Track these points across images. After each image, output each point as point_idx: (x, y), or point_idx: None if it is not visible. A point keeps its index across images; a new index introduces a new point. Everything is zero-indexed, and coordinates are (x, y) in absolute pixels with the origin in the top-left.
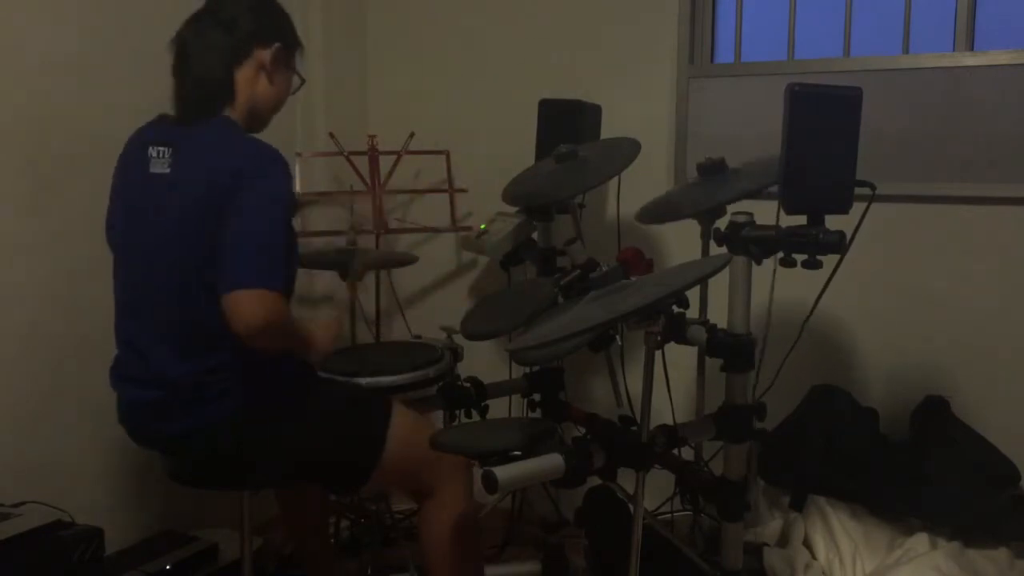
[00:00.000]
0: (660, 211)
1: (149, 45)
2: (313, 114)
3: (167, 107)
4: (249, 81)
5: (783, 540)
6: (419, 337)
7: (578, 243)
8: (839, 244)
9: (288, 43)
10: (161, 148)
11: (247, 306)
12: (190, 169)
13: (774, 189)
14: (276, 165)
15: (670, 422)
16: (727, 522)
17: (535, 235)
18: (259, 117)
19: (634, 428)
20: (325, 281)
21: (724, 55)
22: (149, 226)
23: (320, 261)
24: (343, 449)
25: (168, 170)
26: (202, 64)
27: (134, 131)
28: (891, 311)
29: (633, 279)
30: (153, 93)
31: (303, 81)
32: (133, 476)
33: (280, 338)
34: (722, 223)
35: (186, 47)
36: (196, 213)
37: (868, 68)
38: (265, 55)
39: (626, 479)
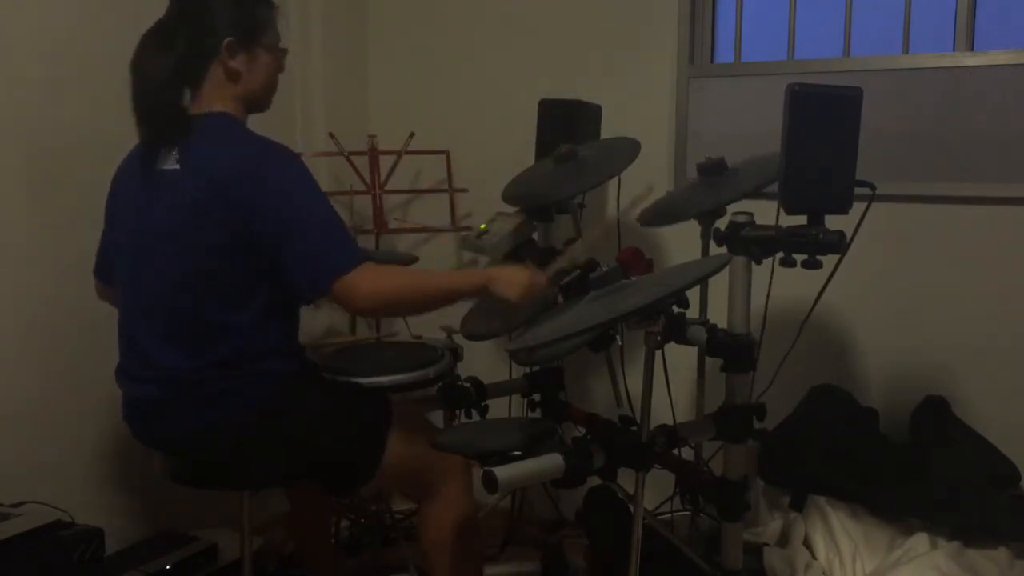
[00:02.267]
0: (661, 213)
1: None
2: (313, 114)
3: None
4: (221, 81)
5: (783, 540)
6: (419, 337)
7: (578, 243)
8: (839, 244)
9: (244, 32)
10: (165, 147)
11: (362, 288)
12: (197, 165)
13: (774, 189)
14: (285, 153)
15: (670, 422)
16: (727, 522)
17: (535, 235)
18: (256, 102)
19: (634, 428)
20: None
21: (724, 55)
22: (154, 222)
23: None
24: (343, 449)
25: (177, 166)
26: (149, 97)
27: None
28: (891, 311)
29: (633, 279)
30: None
31: (284, 50)
32: (133, 476)
33: (410, 295)
34: (722, 223)
35: (139, 75)
36: (196, 212)
37: (868, 68)
38: (222, 54)
39: (626, 479)
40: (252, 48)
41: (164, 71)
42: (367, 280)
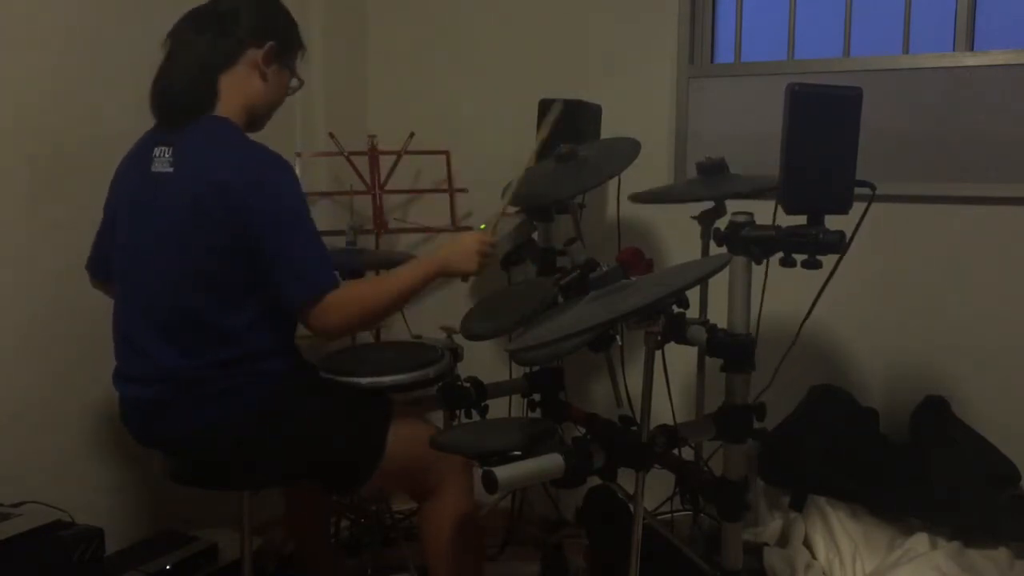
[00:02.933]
0: (654, 196)
1: (152, 44)
2: (313, 114)
3: None
4: (241, 81)
5: (783, 540)
6: (419, 337)
7: (578, 243)
8: (839, 244)
9: (284, 43)
10: (164, 148)
11: (332, 313)
12: (191, 169)
13: (774, 187)
14: (282, 166)
15: (670, 422)
16: (727, 522)
17: (535, 235)
18: (256, 116)
19: (634, 428)
20: None
21: (724, 55)
22: (150, 224)
23: None
24: (343, 449)
25: (171, 169)
26: (184, 70)
27: (146, 131)
28: (891, 311)
29: (633, 279)
30: None
31: (301, 83)
32: (133, 476)
33: (374, 313)
34: (722, 223)
35: (175, 48)
36: (196, 212)
37: (868, 68)
38: (258, 54)
39: (626, 479)
40: (283, 64)
41: (201, 48)
42: (335, 306)
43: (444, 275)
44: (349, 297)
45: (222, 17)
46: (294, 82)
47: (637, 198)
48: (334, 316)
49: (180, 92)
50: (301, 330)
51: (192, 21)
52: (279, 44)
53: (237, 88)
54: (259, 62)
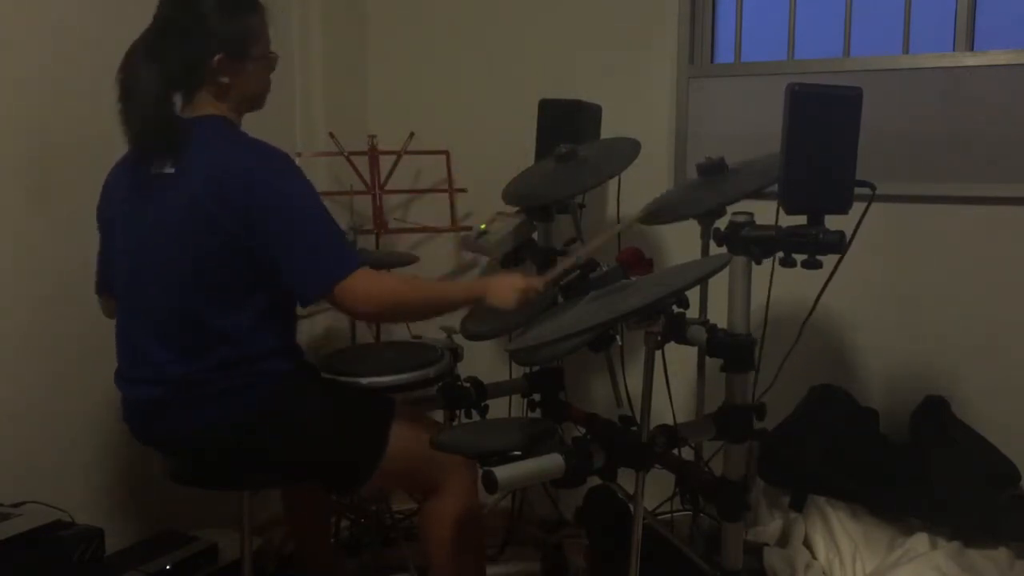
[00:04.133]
0: (659, 212)
1: None
2: (313, 114)
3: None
4: (211, 93)
5: (783, 540)
6: (419, 337)
7: (578, 243)
8: (839, 244)
9: (234, 48)
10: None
11: (360, 293)
12: (193, 169)
13: (774, 189)
14: (283, 159)
15: (670, 422)
16: (727, 522)
17: (535, 235)
18: (249, 103)
19: (634, 428)
20: None
21: (724, 55)
22: (151, 225)
23: None
24: (344, 449)
25: (172, 170)
26: (143, 114)
27: None
28: (891, 311)
29: (633, 279)
30: None
31: (276, 56)
32: (133, 476)
33: (407, 302)
34: (722, 223)
35: (127, 87)
36: (197, 211)
37: (868, 68)
38: (212, 69)
39: (626, 479)
40: (243, 63)
41: (153, 83)
42: (366, 285)
43: (481, 302)
44: (383, 281)
45: (164, 46)
46: (271, 59)
47: (647, 220)
48: (367, 299)
49: (144, 132)
50: (301, 330)
51: (137, 56)
52: (229, 51)
53: (208, 103)
54: (218, 76)
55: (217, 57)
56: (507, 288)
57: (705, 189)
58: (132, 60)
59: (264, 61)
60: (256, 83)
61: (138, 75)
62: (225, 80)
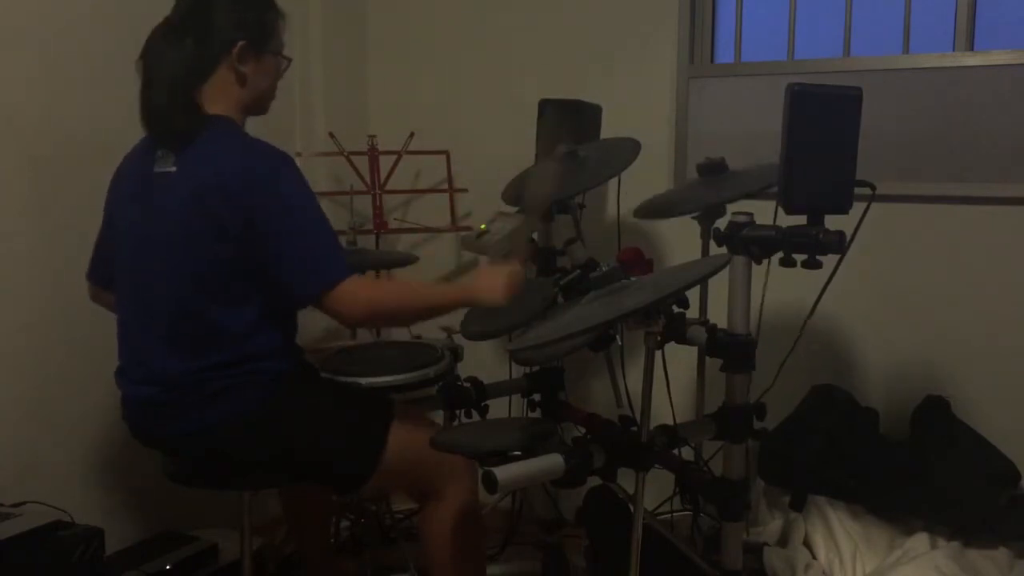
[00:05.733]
0: (657, 207)
1: None
2: (313, 114)
3: None
4: (223, 89)
5: (783, 540)
6: (419, 337)
7: (578, 243)
8: (839, 244)
9: (256, 34)
10: (166, 148)
11: (347, 299)
12: (195, 168)
13: (774, 189)
14: (285, 161)
15: (670, 422)
16: (727, 522)
17: (535, 235)
18: (256, 105)
19: (634, 428)
20: None
21: (724, 55)
22: (152, 224)
23: None
24: (344, 450)
25: (174, 168)
26: (161, 94)
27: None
28: (891, 311)
29: (633, 279)
30: None
31: (289, 60)
32: (133, 476)
33: (397, 307)
34: (722, 223)
35: (149, 71)
36: (198, 211)
37: (868, 68)
38: (231, 57)
39: (626, 479)
40: (262, 54)
41: (175, 67)
42: (356, 291)
43: (473, 305)
44: (373, 287)
45: (187, 29)
46: (283, 62)
47: (642, 213)
48: (357, 304)
49: (164, 117)
50: (301, 330)
51: (159, 39)
52: (250, 40)
53: (219, 97)
54: (234, 65)
55: (240, 44)
56: (494, 285)
57: (705, 188)
58: (153, 45)
59: (279, 60)
60: (262, 85)
61: (161, 59)
62: (243, 70)
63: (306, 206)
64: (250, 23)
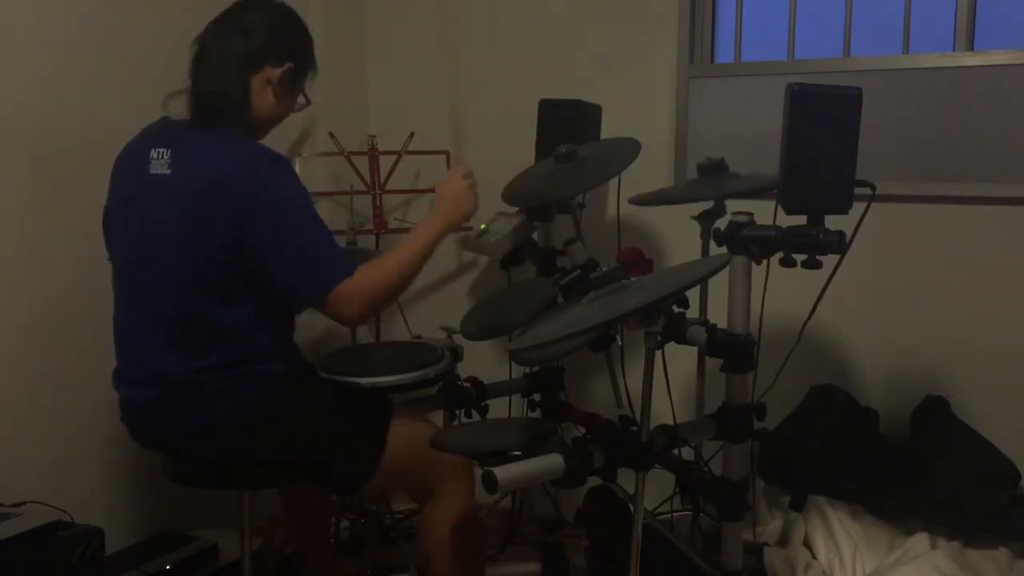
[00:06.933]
0: (655, 198)
1: (152, 46)
2: (313, 114)
3: (169, 109)
4: (256, 93)
5: (783, 540)
6: (419, 337)
7: (578, 243)
8: (839, 244)
9: (301, 65)
10: (162, 150)
11: (343, 299)
12: (192, 170)
13: (774, 189)
14: (281, 163)
15: (670, 422)
16: (727, 522)
17: (535, 235)
18: (258, 127)
19: (634, 428)
20: None
21: (724, 55)
22: (148, 226)
23: None
24: (343, 450)
25: (169, 171)
26: (217, 73)
27: (137, 132)
28: (891, 311)
29: (633, 279)
30: (155, 94)
31: (308, 102)
32: (133, 476)
33: (392, 289)
34: (722, 223)
35: (204, 52)
36: (197, 214)
37: (868, 68)
38: (275, 72)
39: (626, 479)
40: (296, 86)
41: (238, 51)
42: (353, 293)
43: (451, 229)
44: (364, 281)
45: (243, 30)
46: (301, 100)
47: (638, 200)
48: (356, 303)
49: (215, 93)
50: (300, 330)
51: (219, 26)
52: (296, 66)
53: (252, 97)
54: (274, 80)
55: (289, 64)
56: (457, 198)
57: (704, 188)
58: (216, 28)
59: (298, 100)
60: (282, 111)
61: (222, 40)
62: (278, 89)
63: (303, 207)
64: (299, 52)
